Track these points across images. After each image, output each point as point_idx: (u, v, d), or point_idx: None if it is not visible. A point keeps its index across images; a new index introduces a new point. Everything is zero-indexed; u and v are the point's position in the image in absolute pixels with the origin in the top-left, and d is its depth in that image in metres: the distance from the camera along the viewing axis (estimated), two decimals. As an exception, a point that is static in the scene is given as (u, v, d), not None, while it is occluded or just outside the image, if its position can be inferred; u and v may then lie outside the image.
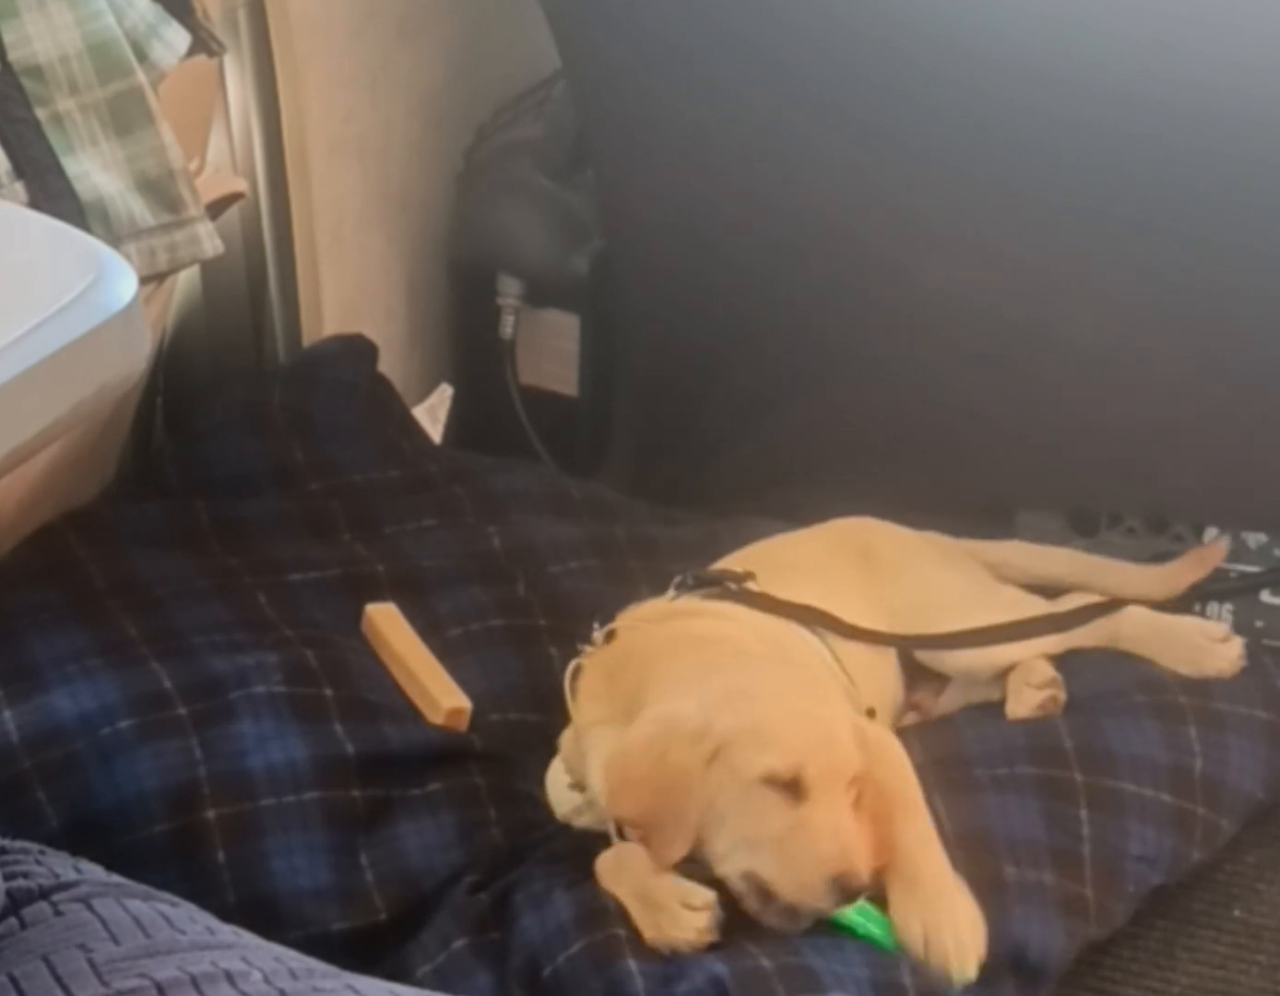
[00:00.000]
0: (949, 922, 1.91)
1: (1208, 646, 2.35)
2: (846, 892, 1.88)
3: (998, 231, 2.50)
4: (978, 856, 2.01)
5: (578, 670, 2.12)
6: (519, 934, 1.95)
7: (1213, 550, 2.48)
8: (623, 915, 1.93)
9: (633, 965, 1.88)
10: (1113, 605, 2.38)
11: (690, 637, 2.10)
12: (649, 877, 1.94)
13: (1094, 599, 2.40)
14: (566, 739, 2.13)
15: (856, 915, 1.92)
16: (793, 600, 2.20)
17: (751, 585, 2.21)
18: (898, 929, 1.92)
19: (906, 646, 2.30)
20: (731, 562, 2.29)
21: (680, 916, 1.90)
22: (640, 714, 1.98)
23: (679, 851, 1.91)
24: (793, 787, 1.89)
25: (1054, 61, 2.34)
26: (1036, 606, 2.38)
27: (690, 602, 2.19)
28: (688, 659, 2.04)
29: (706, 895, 1.92)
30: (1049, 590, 2.44)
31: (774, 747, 1.90)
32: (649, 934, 1.91)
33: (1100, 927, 2.10)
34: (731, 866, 1.92)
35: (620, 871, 1.97)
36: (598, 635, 2.14)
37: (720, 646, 2.08)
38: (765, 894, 1.91)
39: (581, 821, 2.10)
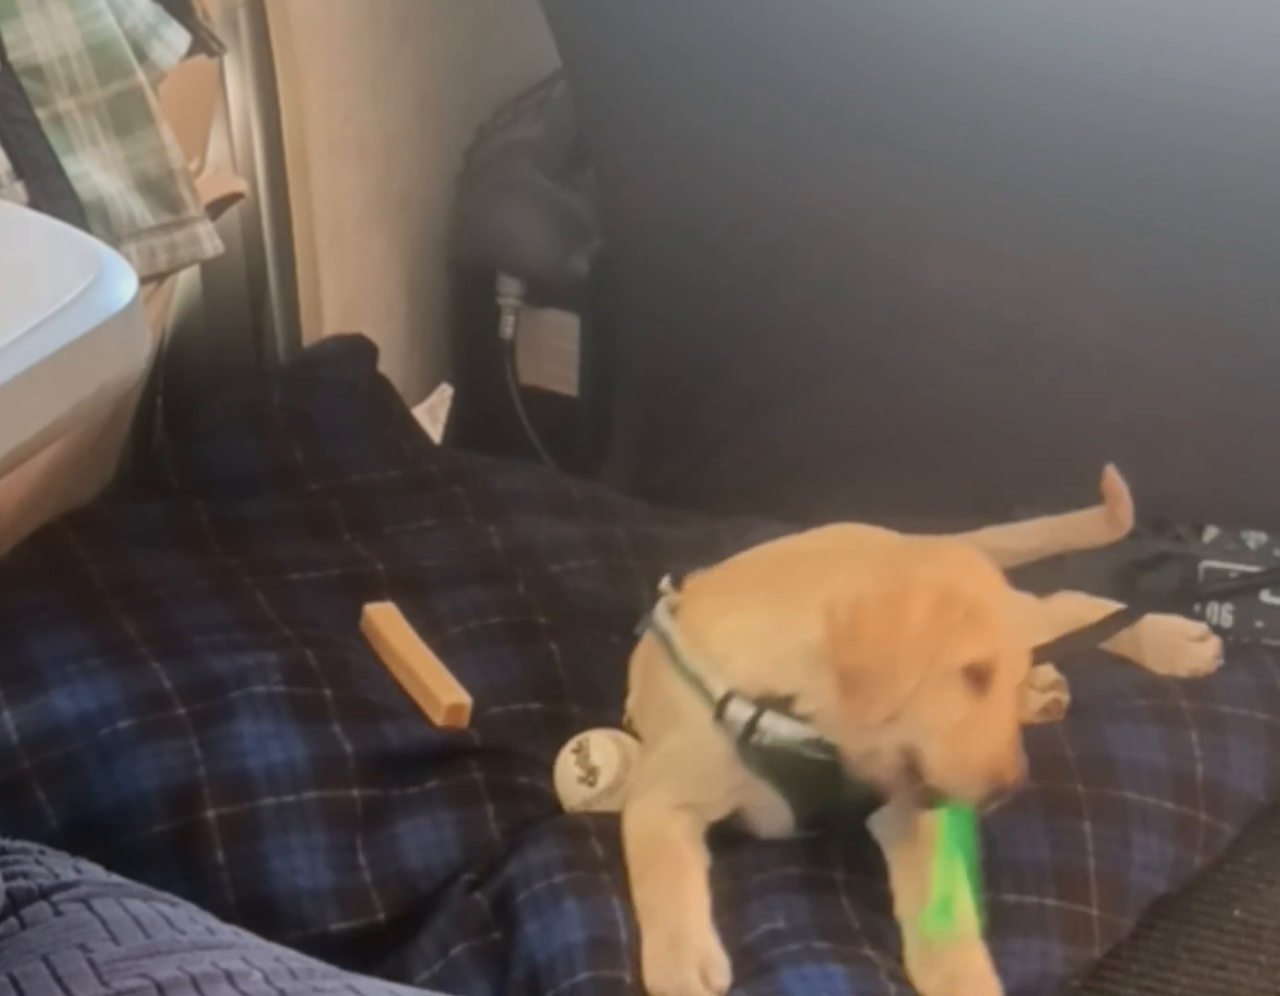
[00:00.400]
0: (970, 983, 1.91)
1: (1184, 645, 2.35)
2: (996, 794, 1.88)
3: (997, 231, 2.50)
4: (982, 882, 1.99)
5: (674, 607, 2.12)
6: (522, 942, 1.94)
7: (1110, 480, 2.39)
8: (634, 945, 1.90)
9: None
10: (1133, 614, 2.37)
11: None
12: (686, 921, 1.91)
13: (1081, 596, 2.40)
14: (635, 700, 2.17)
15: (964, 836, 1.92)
16: None
17: None
18: (915, 971, 1.91)
19: None
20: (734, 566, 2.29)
21: (691, 989, 1.87)
22: (827, 586, 1.94)
23: (881, 714, 1.89)
24: (983, 679, 1.89)
25: (1054, 62, 2.34)
26: (1018, 595, 2.37)
27: None
28: (870, 539, 2.06)
29: (725, 975, 1.89)
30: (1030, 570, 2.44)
31: (986, 635, 1.89)
32: (650, 979, 1.88)
33: (1104, 946, 2.09)
34: (892, 738, 1.90)
35: (665, 891, 1.94)
36: (666, 585, 2.16)
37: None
38: (912, 771, 1.90)
39: (599, 808, 2.10)
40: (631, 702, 2.20)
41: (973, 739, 1.88)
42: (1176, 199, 2.39)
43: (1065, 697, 2.27)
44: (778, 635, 1.99)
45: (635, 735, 2.17)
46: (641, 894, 1.95)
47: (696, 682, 2.03)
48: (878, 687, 1.89)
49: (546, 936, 1.93)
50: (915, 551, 2.02)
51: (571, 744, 2.16)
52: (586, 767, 2.12)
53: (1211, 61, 2.28)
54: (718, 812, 2.04)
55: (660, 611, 2.14)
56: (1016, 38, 2.36)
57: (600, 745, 2.14)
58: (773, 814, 2.05)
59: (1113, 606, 2.39)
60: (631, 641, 2.26)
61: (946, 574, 1.93)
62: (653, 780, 2.05)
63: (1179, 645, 2.36)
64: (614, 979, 1.89)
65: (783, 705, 1.98)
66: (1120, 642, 2.37)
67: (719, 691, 2.00)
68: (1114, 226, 2.44)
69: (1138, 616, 2.37)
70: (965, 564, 1.97)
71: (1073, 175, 2.42)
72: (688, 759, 2.03)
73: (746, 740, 1.99)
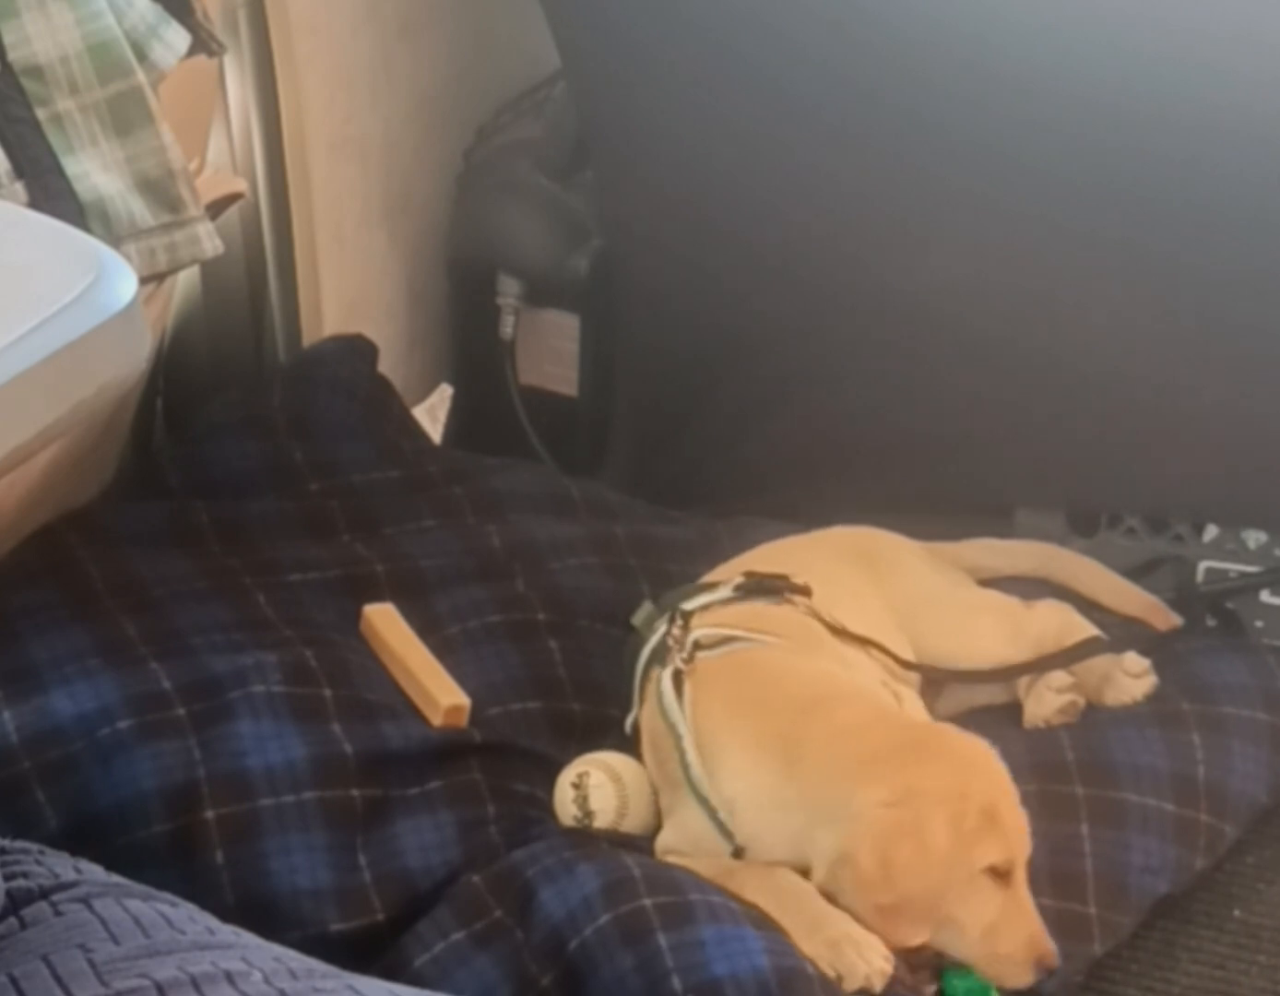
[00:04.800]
0: None
1: (1118, 677, 2.31)
2: (1045, 970, 1.91)
3: (993, 234, 2.50)
4: None
5: (678, 676, 2.09)
6: (538, 908, 1.94)
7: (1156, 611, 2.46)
8: (648, 884, 1.92)
9: (663, 940, 1.87)
10: (1111, 643, 2.35)
11: (833, 680, 2.09)
12: (818, 907, 1.92)
13: (1062, 609, 2.38)
14: (647, 754, 2.13)
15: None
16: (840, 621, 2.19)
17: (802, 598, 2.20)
18: None
19: (946, 680, 2.29)
20: (736, 567, 2.28)
21: (858, 968, 1.87)
22: (833, 782, 1.94)
23: (923, 936, 1.90)
24: (1007, 875, 1.91)
25: (1043, 71, 2.35)
26: (1005, 603, 2.36)
27: (759, 610, 2.17)
28: (862, 717, 2.01)
29: (881, 950, 1.90)
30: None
31: (1001, 831, 1.90)
32: (817, 960, 1.88)
33: (1104, 944, 2.10)
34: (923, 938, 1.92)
35: (769, 890, 1.94)
36: (676, 636, 2.12)
37: (880, 703, 2.08)
38: (938, 962, 1.92)
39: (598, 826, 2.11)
40: (645, 747, 2.15)
41: (1011, 933, 1.90)
42: (1174, 199, 2.39)
43: (1082, 701, 2.27)
44: (792, 813, 1.98)
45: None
46: (751, 896, 1.95)
47: (710, 809, 2.02)
48: (919, 916, 1.89)
49: (563, 897, 1.93)
50: (917, 748, 1.98)
51: (571, 774, 2.14)
52: (584, 809, 2.11)
53: (1204, 68, 2.29)
54: None
55: (667, 690, 2.09)
56: (1004, 50, 2.37)
57: (599, 786, 2.12)
58: None
59: (1089, 628, 2.35)
60: (630, 636, 2.26)
61: (953, 778, 1.92)
62: (678, 854, 2.05)
63: (1112, 675, 2.31)
64: (635, 910, 1.89)
65: None
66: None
67: (732, 840, 2.00)
68: (1110, 226, 2.44)
69: (1107, 648, 2.33)
70: (968, 759, 1.96)
71: (1067, 176, 2.42)
72: (701, 852, 2.03)
73: None
